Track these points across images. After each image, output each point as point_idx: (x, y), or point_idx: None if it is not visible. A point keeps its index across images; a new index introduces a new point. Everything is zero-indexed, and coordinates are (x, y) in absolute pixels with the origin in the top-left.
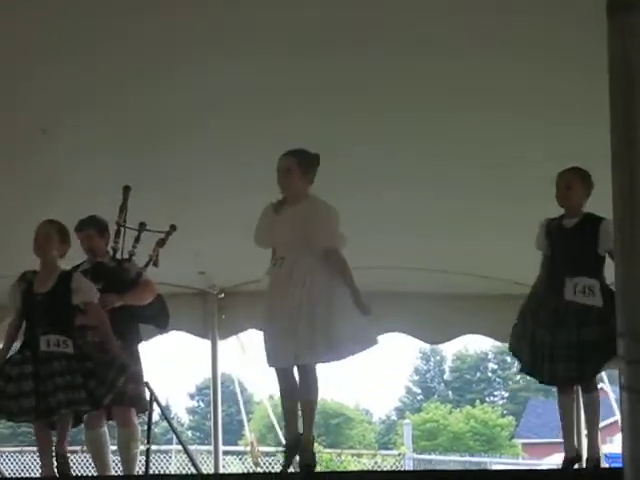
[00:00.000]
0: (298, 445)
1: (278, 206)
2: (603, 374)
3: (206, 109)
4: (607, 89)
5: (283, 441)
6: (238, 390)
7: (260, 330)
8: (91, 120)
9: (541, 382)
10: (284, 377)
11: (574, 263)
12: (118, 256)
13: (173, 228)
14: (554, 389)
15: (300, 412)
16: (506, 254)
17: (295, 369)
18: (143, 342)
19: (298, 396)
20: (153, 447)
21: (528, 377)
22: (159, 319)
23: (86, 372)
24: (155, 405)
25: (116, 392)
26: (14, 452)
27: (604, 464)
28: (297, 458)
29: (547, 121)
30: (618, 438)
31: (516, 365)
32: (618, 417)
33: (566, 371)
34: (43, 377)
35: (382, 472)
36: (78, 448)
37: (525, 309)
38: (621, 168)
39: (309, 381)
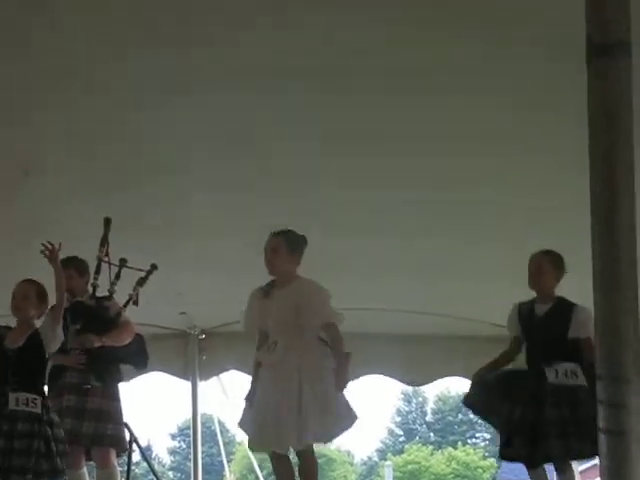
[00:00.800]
0: None
1: (267, 290)
2: None
3: (190, 148)
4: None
5: None
6: (218, 431)
7: (245, 400)
8: (73, 159)
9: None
10: (279, 461)
11: (551, 350)
12: (98, 293)
13: (154, 267)
14: None
15: None
16: (485, 296)
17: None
18: (123, 382)
19: None
20: None
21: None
22: (138, 359)
23: (49, 438)
24: (135, 446)
25: (96, 433)
26: None
27: None
28: None
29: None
30: None
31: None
32: (597, 460)
33: (563, 448)
34: (10, 436)
35: None
36: None
37: (494, 384)
38: (601, 207)
39: (311, 466)
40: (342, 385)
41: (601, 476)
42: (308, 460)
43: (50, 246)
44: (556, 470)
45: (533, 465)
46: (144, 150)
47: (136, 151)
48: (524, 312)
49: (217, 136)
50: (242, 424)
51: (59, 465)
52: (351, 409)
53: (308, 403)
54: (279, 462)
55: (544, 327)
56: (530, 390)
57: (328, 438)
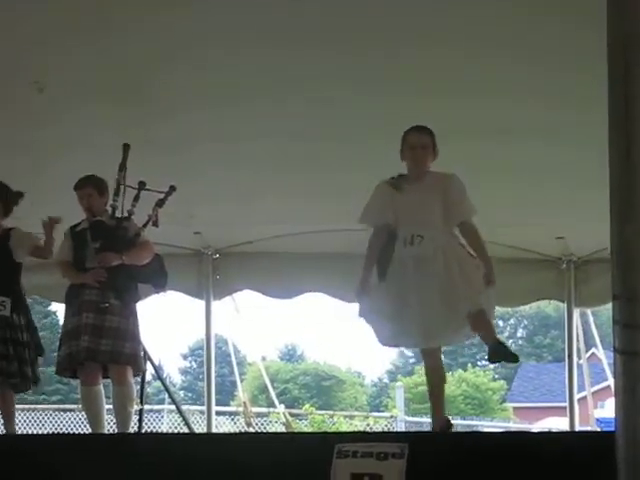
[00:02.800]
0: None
1: (398, 184)
2: (596, 339)
3: (214, 81)
4: None
5: (276, 402)
6: (232, 351)
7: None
8: (90, 81)
9: None
10: (429, 357)
11: None
12: (117, 214)
13: (173, 188)
14: (547, 354)
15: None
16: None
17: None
18: (140, 301)
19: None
20: (146, 407)
21: (520, 342)
22: (157, 279)
23: (19, 343)
24: (149, 364)
25: (114, 351)
26: None
27: (596, 428)
28: None
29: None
30: (610, 403)
31: (508, 329)
32: (610, 382)
33: None
34: None
35: (376, 433)
36: (74, 407)
37: None
38: (618, 134)
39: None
40: (492, 280)
41: (615, 396)
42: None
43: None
44: None
45: None
46: (161, 71)
47: (153, 73)
48: None
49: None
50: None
51: (28, 371)
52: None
53: (457, 301)
54: (429, 358)
55: None
56: None
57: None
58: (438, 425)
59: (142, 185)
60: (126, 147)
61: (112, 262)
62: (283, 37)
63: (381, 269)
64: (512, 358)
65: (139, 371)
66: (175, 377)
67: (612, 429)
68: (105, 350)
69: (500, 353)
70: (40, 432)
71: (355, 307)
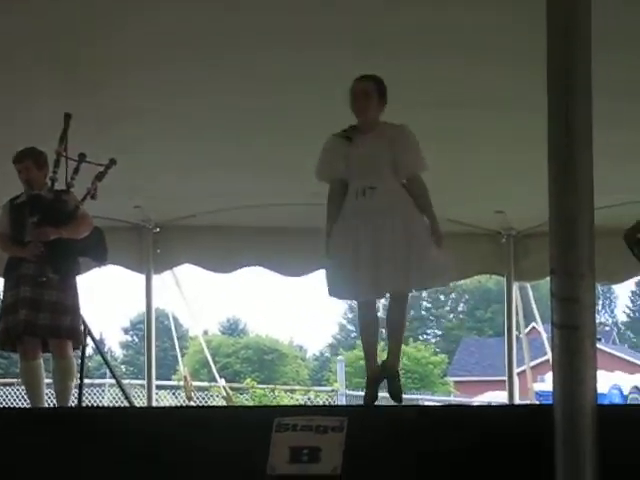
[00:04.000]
0: (382, 377)
1: (349, 135)
2: (535, 313)
3: (153, 47)
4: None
5: (217, 376)
6: (172, 325)
7: (327, 263)
8: (35, 52)
9: None
10: (368, 310)
11: None
12: (56, 187)
13: (113, 162)
14: (488, 328)
15: (390, 341)
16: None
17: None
18: (79, 275)
19: (389, 326)
20: (86, 381)
21: (461, 316)
22: (97, 253)
23: None
24: (89, 339)
25: (53, 325)
26: None
27: (535, 401)
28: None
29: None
30: (549, 376)
31: (449, 304)
32: (550, 356)
33: None
34: None
35: (316, 407)
36: (14, 381)
37: None
38: (556, 102)
39: (403, 310)
40: (440, 237)
41: (553, 370)
42: (400, 307)
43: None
44: None
45: None
46: (100, 36)
47: (92, 38)
48: None
49: (178, 38)
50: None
51: None
52: (450, 262)
53: (408, 252)
54: (363, 310)
55: None
56: None
57: (429, 285)
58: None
59: (82, 157)
60: (67, 117)
61: (49, 236)
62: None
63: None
64: None
65: (79, 345)
66: (117, 351)
67: (551, 402)
68: (43, 324)
69: None
70: None
71: (294, 281)
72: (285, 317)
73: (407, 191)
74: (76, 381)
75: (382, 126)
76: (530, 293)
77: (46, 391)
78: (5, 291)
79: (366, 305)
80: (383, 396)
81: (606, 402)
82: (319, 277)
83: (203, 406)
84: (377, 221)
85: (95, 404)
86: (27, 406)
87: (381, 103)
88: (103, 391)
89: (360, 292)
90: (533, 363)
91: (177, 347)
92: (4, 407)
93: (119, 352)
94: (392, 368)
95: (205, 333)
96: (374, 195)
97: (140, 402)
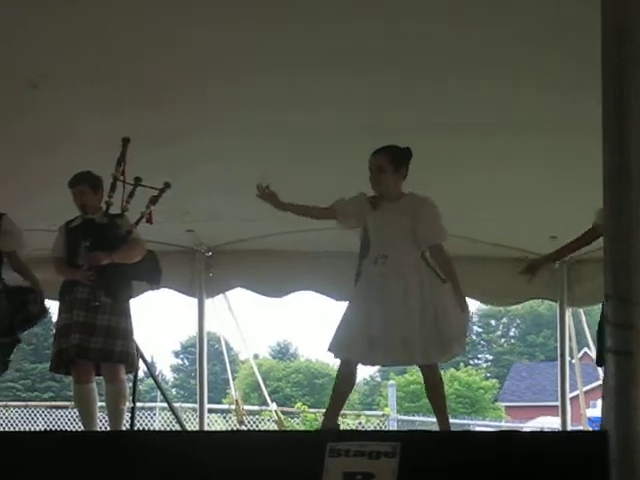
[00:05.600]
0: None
1: (375, 202)
2: (588, 338)
3: (207, 69)
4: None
5: (268, 400)
6: (224, 348)
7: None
8: (88, 73)
9: None
10: (348, 366)
11: None
12: (111, 211)
13: (167, 185)
14: (539, 353)
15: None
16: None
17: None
18: (132, 298)
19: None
20: (138, 404)
21: (512, 341)
22: (152, 276)
23: None
24: (140, 362)
25: (105, 349)
26: None
27: (588, 427)
28: None
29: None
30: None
31: (501, 328)
32: (601, 381)
33: None
34: None
35: (369, 431)
36: (66, 404)
37: None
38: (612, 129)
39: (435, 379)
40: (464, 307)
41: (606, 396)
42: (430, 376)
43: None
44: None
45: None
46: (159, 67)
47: (151, 68)
48: None
49: (236, 57)
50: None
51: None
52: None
53: (424, 323)
54: (348, 365)
55: None
56: None
57: (446, 358)
58: None
59: (138, 181)
60: (125, 141)
61: (101, 261)
62: (281, 17)
63: (355, 280)
64: None
65: (132, 369)
66: (167, 375)
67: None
68: (95, 348)
69: None
70: (32, 429)
71: (345, 305)
72: None
73: (433, 260)
74: (128, 404)
75: (405, 197)
76: (583, 318)
77: (99, 414)
78: (59, 314)
79: (347, 362)
80: (434, 421)
81: None
82: None
83: (255, 430)
84: (387, 289)
85: (146, 427)
86: (80, 429)
87: (398, 174)
88: (154, 414)
89: (369, 359)
90: (585, 388)
91: (229, 370)
92: (57, 430)
93: (170, 375)
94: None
95: (256, 357)
96: (386, 263)
97: (191, 426)
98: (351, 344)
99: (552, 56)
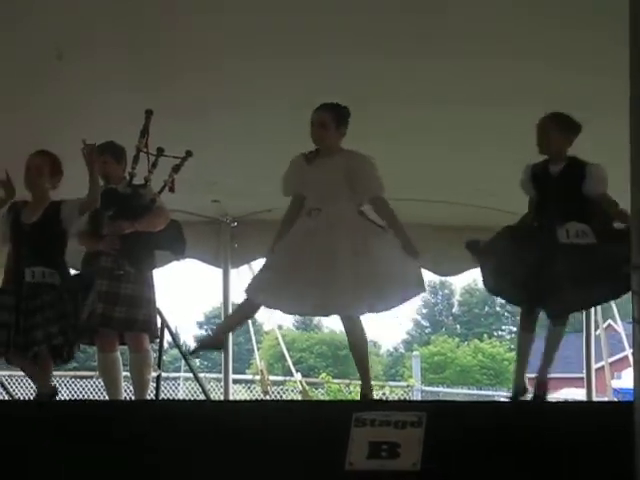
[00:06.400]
0: None
1: (310, 157)
2: (614, 309)
3: (228, 40)
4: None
5: (293, 370)
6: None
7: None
8: (109, 45)
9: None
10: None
11: (563, 209)
12: (135, 182)
13: (189, 154)
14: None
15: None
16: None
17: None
18: (157, 268)
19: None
20: (162, 374)
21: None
22: (175, 245)
23: (65, 308)
24: (166, 332)
25: (129, 318)
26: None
27: (613, 398)
28: None
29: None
30: (627, 373)
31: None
32: (628, 352)
33: (566, 302)
34: (25, 311)
35: (394, 401)
36: (93, 374)
37: (506, 246)
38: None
39: (357, 332)
40: (413, 253)
41: (634, 365)
42: (352, 329)
43: (89, 146)
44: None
45: (531, 309)
46: (183, 39)
47: (174, 40)
48: (538, 172)
49: (257, 28)
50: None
51: (71, 337)
52: (417, 275)
53: (356, 273)
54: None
55: (558, 185)
56: (542, 248)
57: (384, 307)
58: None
59: (160, 152)
60: (148, 113)
61: (124, 230)
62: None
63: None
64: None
65: (154, 338)
66: (191, 346)
67: (630, 399)
68: (119, 317)
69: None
70: (57, 399)
71: None
72: None
73: (377, 213)
74: (154, 374)
75: (340, 152)
76: None
77: (124, 384)
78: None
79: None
80: (458, 392)
81: None
82: None
83: (281, 400)
84: (315, 242)
85: (170, 397)
86: (105, 398)
87: (339, 131)
88: (178, 384)
89: (283, 305)
90: (610, 360)
91: (254, 341)
92: (82, 399)
93: (193, 346)
94: (365, 397)
95: (280, 328)
96: (319, 216)
97: (216, 396)
98: (267, 288)
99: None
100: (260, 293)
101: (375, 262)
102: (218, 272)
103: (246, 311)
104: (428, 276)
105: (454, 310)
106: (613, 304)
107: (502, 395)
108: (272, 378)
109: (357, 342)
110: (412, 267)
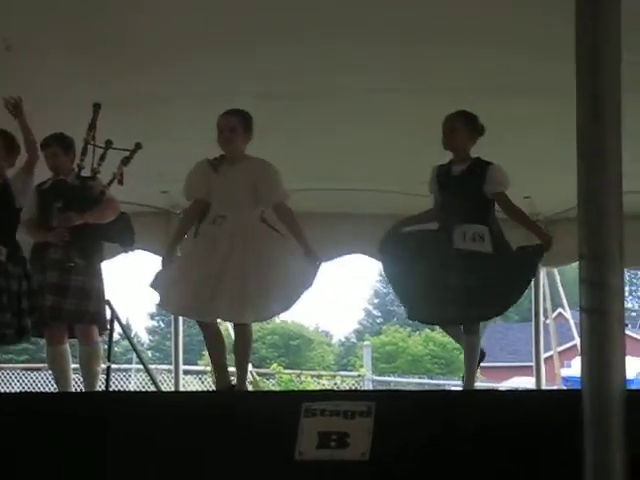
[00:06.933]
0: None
1: (216, 163)
2: (562, 298)
3: (182, 32)
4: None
5: None
6: None
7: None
8: (59, 37)
9: (423, 322)
10: (207, 327)
11: (462, 210)
12: (83, 174)
13: (138, 146)
14: (514, 314)
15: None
16: None
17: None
18: (106, 260)
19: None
20: (113, 366)
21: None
22: (124, 237)
23: (14, 293)
24: (116, 324)
25: (78, 310)
26: None
27: (562, 387)
28: None
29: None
30: (577, 361)
31: None
32: (577, 341)
33: (453, 313)
34: None
35: (343, 391)
36: (41, 365)
37: (403, 246)
38: (586, 85)
39: (245, 337)
40: (314, 257)
41: (582, 355)
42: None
43: (12, 100)
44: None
45: (441, 325)
46: (130, 31)
47: (121, 33)
48: (441, 173)
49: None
50: (157, 286)
51: (25, 322)
52: (310, 274)
53: (259, 281)
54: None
55: (459, 185)
56: (437, 252)
57: (283, 309)
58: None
59: (109, 144)
60: (96, 106)
61: (73, 221)
62: None
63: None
64: None
65: (104, 330)
66: (143, 336)
67: (579, 387)
68: (69, 309)
69: None
70: (8, 391)
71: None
72: (310, 302)
73: (278, 219)
74: (103, 366)
75: (246, 159)
76: (557, 278)
77: (73, 376)
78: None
79: (206, 324)
80: (409, 382)
81: (634, 387)
82: (345, 263)
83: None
84: (215, 249)
85: (121, 389)
86: (55, 390)
87: (246, 136)
88: (129, 376)
89: (181, 308)
90: (560, 349)
91: None
92: (31, 392)
93: (145, 337)
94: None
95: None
96: (224, 223)
97: (167, 387)
98: (171, 297)
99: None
100: (170, 305)
101: (269, 269)
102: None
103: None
104: (379, 266)
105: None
106: (562, 291)
107: (453, 384)
108: None
109: (243, 346)
110: (310, 272)
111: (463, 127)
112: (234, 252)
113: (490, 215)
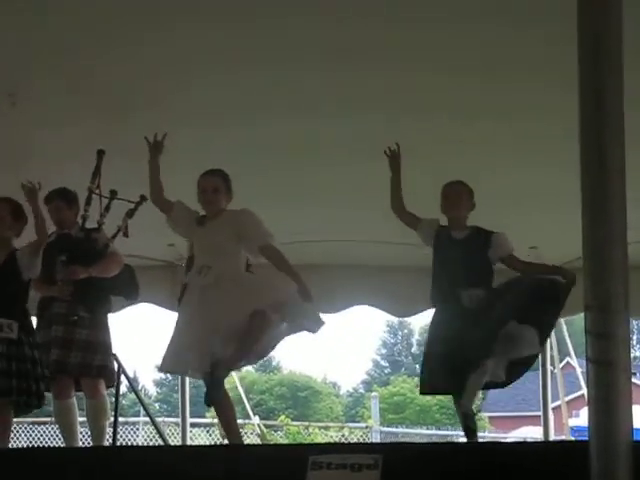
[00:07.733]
0: None
1: (201, 220)
2: (569, 348)
3: (179, 77)
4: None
5: (250, 413)
6: None
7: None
8: (59, 86)
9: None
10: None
11: (468, 275)
12: (87, 225)
13: (143, 198)
14: None
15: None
16: None
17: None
18: (112, 314)
19: None
20: (120, 419)
21: None
22: (128, 290)
23: (28, 360)
24: (123, 377)
25: (84, 363)
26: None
27: (570, 437)
28: None
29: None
30: (585, 411)
31: None
32: (584, 391)
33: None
34: None
35: (350, 444)
36: (47, 419)
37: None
38: (590, 137)
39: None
40: (307, 295)
41: (588, 406)
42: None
43: (30, 184)
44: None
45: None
46: (134, 81)
47: (125, 81)
48: (441, 235)
49: (211, 59)
50: None
51: (41, 388)
52: (313, 317)
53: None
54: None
55: (463, 251)
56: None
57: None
58: None
59: (114, 194)
60: (100, 153)
61: (78, 275)
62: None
63: (180, 297)
64: None
65: (111, 383)
66: (150, 389)
67: (586, 438)
68: (74, 362)
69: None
70: (14, 446)
71: (326, 318)
72: (318, 353)
73: (269, 261)
74: (110, 419)
75: (225, 212)
76: (564, 328)
77: (80, 430)
78: (37, 330)
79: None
80: (417, 433)
81: None
82: (351, 314)
83: (238, 444)
84: (206, 300)
85: (129, 442)
86: (61, 445)
87: (228, 196)
88: (137, 429)
89: (186, 370)
90: (568, 398)
91: None
92: (38, 446)
93: (153, 390)
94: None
95: (238, 370)
96: (209, 273)
97: (174, 440)
98: (175, 358)
99: None
100: (168, 365)
101: (242, 317)
102: (174, 316)
103: None
104: (386, 316)
105: (413, 350)
106: (569, 341)
107: (461, 434)
108: None
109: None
110: (307, 310)
111: (467, 198)
112: (217, 303)
113: (492, 279)
